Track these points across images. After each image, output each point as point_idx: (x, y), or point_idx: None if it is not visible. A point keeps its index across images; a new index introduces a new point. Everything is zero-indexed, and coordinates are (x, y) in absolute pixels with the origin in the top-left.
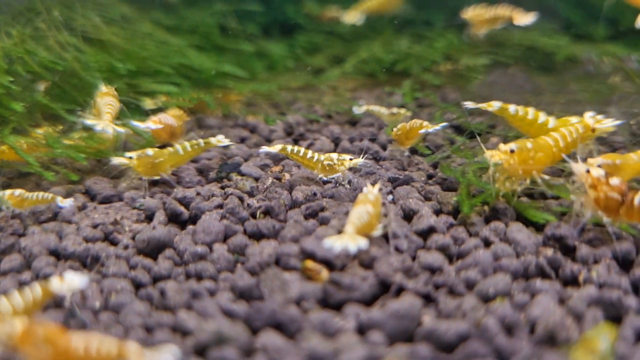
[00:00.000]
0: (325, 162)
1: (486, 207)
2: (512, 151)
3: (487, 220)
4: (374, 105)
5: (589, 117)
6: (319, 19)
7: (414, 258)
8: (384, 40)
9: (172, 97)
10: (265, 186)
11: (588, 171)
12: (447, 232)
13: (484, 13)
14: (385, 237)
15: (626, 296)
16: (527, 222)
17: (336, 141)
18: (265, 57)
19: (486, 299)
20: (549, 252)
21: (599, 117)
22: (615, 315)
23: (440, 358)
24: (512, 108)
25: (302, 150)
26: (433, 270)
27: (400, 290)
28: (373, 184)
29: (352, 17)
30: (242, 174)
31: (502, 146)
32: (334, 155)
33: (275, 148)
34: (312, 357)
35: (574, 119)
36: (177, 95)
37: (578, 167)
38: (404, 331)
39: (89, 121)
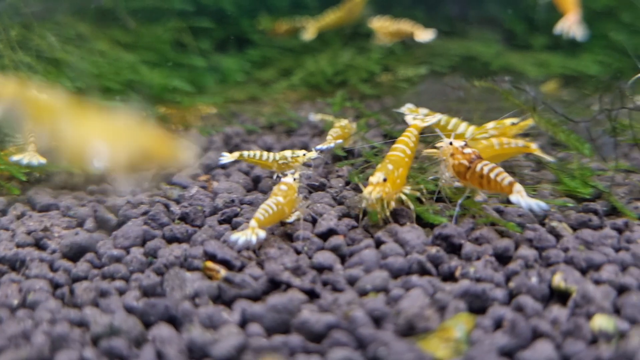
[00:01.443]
0: (280, 161)
1: (387, 211)
2: (384, 180)
3: (387, 222)
4: (325, 115)
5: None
6: (273, 33)
7: (310, 258)
8: (332, 53)
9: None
10: (190, 194)
11: (451, 143)
12: (347, 234)
13: (388, 25)
14: (290, 238)
15: (495, 289)
16: (426, 225)
17: (268, 150)
18: (217, 71)
19: (363, 293)
20: (434, 250)
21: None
22: (480, 306)
23: (309, 347)
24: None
25: (257, 153)
26: (322, 268)
27: (287, 287)
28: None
29: (310, 34)
30: (172, 184)
31: (373, 179)
32: (288, 153)
33: (233, 156)
34: (191, 345)
35: (490, 125)
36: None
37: (445, 141)
38: (282, 323)
39: (14, 157)
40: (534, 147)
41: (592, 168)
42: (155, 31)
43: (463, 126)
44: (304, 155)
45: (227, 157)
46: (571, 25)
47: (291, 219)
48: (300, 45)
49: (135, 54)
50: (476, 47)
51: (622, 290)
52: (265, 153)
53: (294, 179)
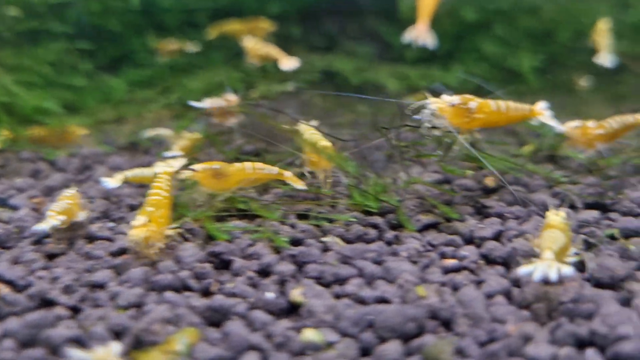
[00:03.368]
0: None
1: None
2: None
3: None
4: (163, 129)
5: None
6: (161, 52)
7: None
8: (213, 71)
9: None
10: (17, 216)
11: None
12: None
13: (259, 48)
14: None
15: (242, 304)
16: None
17: (115, 170)
18: (102, 91)
19: (117, 308)
20: (205, 266)
21: None
22: (219, 320)
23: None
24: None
25: (138, 171)
26: (95, 286)
27: (53, 304)
28: None
29: (211, 35)
30: (5, 205)
31: (135, 222)
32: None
33: (116, 179)
34: None
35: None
36: None
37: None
38: (32, 337)
39: None
40: (287, 174)
41: (386, 183)
42: (37, 53)
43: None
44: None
45: (111, 181)
46: (419, 34)
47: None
48: (186, 64)
49: (16, 75)
50: (338, 63)
51: (362, 302)
52: (146, 170)
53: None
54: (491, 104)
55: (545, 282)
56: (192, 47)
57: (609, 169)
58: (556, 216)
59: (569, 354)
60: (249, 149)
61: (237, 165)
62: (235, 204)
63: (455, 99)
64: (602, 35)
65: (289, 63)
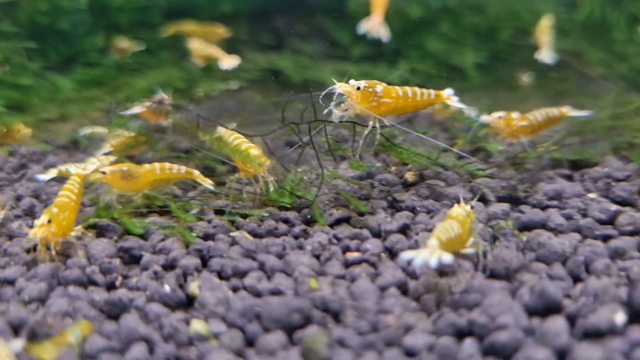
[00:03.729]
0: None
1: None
2: (49, 222)
3: (98, 235)
4: (99, 127)
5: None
6: (114, 50)
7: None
8: (162, 71)
9: None
10: None
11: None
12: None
13: (202, 49)
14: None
15: (143, 297)
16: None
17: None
18: (51, 90)
19: (21, 303)
20: (113, 261)
21: None
22: (118, 313)
23: None
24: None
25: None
26: (5, 282)
27: None
28: None
29: (166, 32)
30: None
31: (37, 222)
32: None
33: (51, 173)
34: None
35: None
36: None
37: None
38: None
39: None
40: (195, 174)
41: (311, 178)
42: None
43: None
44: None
45: (43, 176)
46: (374, 26)
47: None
48: (135, 63)
49: None
50: (280, 61)
51: (258, 294)
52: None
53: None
54: (397, 89)
55: (440, 272)
56: (138, 47)
57: (528, 163)
58: (458, 208)
59: (446, 344)
60: (181, 147)
61: (147, 166)
62: (155, 201)
63: (362, 82)
64: (544, 32)
65: (229, 62)
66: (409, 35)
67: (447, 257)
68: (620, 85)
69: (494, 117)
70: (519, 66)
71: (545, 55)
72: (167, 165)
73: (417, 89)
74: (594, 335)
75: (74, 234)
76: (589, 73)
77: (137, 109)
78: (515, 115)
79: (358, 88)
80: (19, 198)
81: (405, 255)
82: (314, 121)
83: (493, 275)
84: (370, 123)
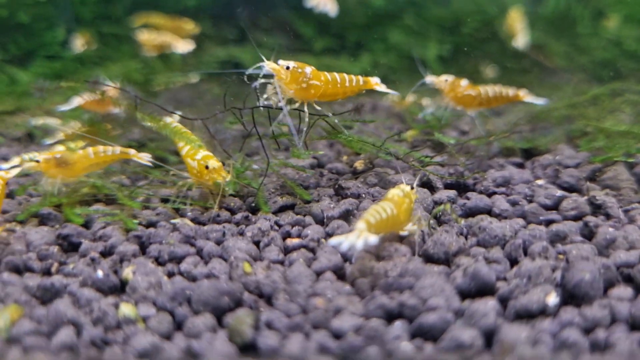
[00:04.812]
0: None
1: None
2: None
3: (40, 224)
4: (51, 118)
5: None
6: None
7: None
8: (122, 64)
9: None
10: None
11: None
12: None
13: (153, 39)
14: None
15: (76, 283)
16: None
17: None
18: (3, 83)
19: None
20: (50, 248)
21: None
22: (50, 298)
23: None
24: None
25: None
26: None
27: None
28: None
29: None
30: None
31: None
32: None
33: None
34: None
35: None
36: None
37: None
38: None
39: None
40: (131, 152)
41: (253, 167)
42: None
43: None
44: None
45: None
46: (322, 0)
47: None
48: (96, 56)
49: None
50: (239, 54)
51: (193, 279)
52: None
53: None
54: (326, 74)
55: (377, 257)
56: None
57: (477, 150)
58: (395, 189)
59: (375, 326)
60: (134, 137)
61: (80, 152)
62: (103, 190)
63: (291, 62)
64: (517, 20)
65: (183, 47)
66: (372, 28)
67: (373, 239)
68: (579, 76)
69: (441, 79)
70: (482, 59)
71: (521, 41)
72: (101, 148)
73: (345, 75)
74: (525, 316)
75: None
76: (550, 65)
77: (75, 101)
78: (464, 82)
79: (287, 68)
80: None
81: (333, 240)
82: (257, 107)
83: (432, 259)
84: (303, 106)
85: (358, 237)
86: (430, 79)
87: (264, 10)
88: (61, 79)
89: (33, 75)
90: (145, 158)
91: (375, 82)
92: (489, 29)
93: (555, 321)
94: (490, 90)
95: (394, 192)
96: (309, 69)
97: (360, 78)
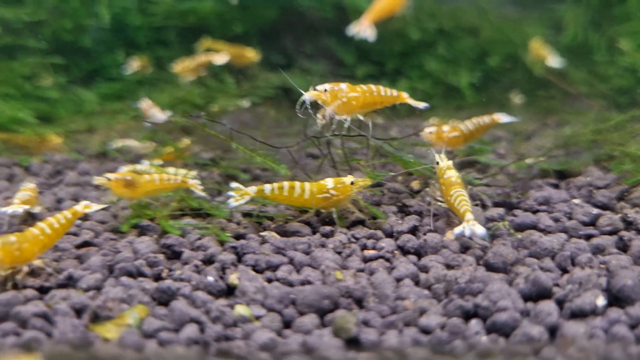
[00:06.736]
0: None
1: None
2: None
3: (140, 235)
4: (130, 140)
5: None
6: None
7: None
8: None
9: None
10: None
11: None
12: (101, 245)
13: (188, 64)
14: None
15: (188, 286)
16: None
17: (83, 175)
18: (74, 103)
19: (78, 289)
20: (158, 256)
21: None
22: (167, 299)
23: (18, 331)
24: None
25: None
26: (59, 272)
27: (23, 287)
28: None
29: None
30: None
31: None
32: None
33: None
34: None
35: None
36: None
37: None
38: (5, 314)
39: None
40: (189, 182)
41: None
42: (13, 66)
43: None
44: None
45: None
46: (361, 27)
47: None
48: (155, 78)
49: None
50: (292, 79)
51: (289, 285)
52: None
53: None
54: (361, 85)
55: (447, 265)
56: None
57: (518, 173)
58: (450, 171)
59: (455, 323)
60: (206, 156)
61: (147, 177)
62: (190, 202)
63: (326, 85)
64: (541, 47)
65: (220, 58)
66: (409, 56)
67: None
68: (600, 103)
69: (426, 133)
70: (509, 86)
71: (554, 60)
72: (165, 176)
73: (381, 87)
74: (579, 315)
75: (36, 264)
76: (573, 92)
77: (159, 116)
78: (446, 128)
79: (325, 90)
80: (59, 201)
81: (457, 230)
82: (333, 136)
83: (492, 268)
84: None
85: (474, 226)
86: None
87: (307, 38)
88: (121, 99)
89: (97, 95)
90: (199, 189)
91: (407, 96)
92: (515, 58)
93: (605, 319)
94: (469, 124)
95: (451, 173)
96: (343, 85)
97: (394, 91)
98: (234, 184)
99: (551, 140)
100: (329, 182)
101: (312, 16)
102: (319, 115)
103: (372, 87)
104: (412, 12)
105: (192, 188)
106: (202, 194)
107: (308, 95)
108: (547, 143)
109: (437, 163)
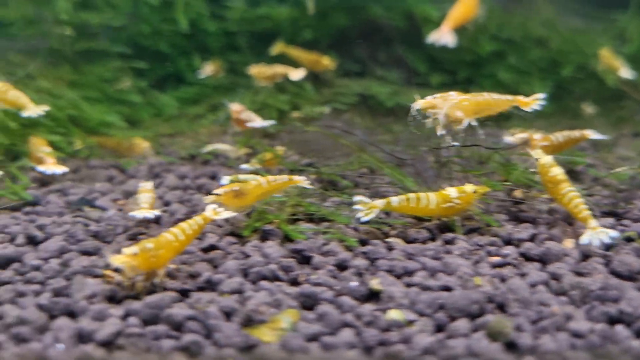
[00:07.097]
0: None
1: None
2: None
3: (262, 239)
4: (222, 144)
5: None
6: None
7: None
8: (255, 91)
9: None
10: (107, 216)
11: None
12: (227, 249)
13: (265, 71)
14: None
15: (327, 291)
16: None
17: (182, 178)
18: (154, 106)
19: (221, 293)
20: (290, 260)
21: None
22: (311, 304)
23: (172, 334)
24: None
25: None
26: (195, 275)
27: (164, 289)
28: None
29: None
30: (93, 206)
31: (126, 250)
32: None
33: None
34: (80, 332)
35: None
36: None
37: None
38: (155, 316)
39: None
40: (295, 178)
41: None
42: (97, 70)
43: None
44: None
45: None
46: (441, 35)
47: None
48: (230, 83)
49: (77, 91)
50: (373, 87)
51: (425, 289)
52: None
53: None
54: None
55: (578, 273)
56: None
57: (620, 183)
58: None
59: (603, 329)
60: (304, 162)
61: (253, 182)
62: (306, 207)
63: (436, 95)
64: (612, 58)
65: (297, 74)
66: (481, 66)
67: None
68: None
69: (518, 138)
70: (581, 96)
71: (627, 72)
72: (271, 177)
73: (494, 94)
74: None
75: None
76: None
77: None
78: (537, 136)
79: (434, 98)
80: (167, 203)
81: (585, 239)
82: (451, 145)
83: (619, 276)
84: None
85: (604, 234)
86: (508, 139)
87: (379, 46)
88: (198, 103)
89: (175, 99)
90: (305, 183)
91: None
92: (586, 68)
93: None
94: (559, 136)
95: (556, 170)
96: (452, 92)
97: (509, 96)
98: (357, 197)
99: (634, 151)
100: (452, 192)
101: (384, 24)
102: (435, 125)
103: (486, 95)
104: (484, 20)
105: (300, 184)
106: (310, 186)
107: (420, 105)
108: (630, 153)
109: (537, 159)
